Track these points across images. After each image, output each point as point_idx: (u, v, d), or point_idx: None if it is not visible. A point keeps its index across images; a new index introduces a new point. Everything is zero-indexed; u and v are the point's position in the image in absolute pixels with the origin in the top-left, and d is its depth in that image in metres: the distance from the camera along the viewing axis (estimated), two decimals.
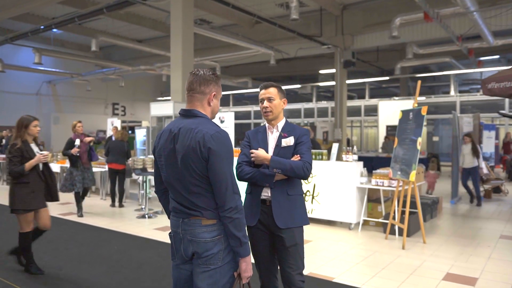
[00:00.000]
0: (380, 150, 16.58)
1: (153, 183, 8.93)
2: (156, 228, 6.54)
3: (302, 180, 2.82)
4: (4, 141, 13.84)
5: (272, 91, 2.74)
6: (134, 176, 8.07)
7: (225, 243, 2.01)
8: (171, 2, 9.16)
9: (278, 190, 2.65)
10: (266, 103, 2.73)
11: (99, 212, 7.84)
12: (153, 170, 8.33)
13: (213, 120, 2.17)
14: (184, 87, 8.80)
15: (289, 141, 2.72)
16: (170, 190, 2.13)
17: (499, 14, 10.91)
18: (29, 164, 4.09)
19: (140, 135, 10.16)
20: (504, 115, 15.24)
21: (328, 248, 5.31)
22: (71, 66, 18.11)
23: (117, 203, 8.37)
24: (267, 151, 2.73)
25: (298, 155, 2.66)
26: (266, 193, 2.66)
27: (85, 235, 6.07)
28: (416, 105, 5.70)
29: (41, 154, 4.20)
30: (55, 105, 19.32)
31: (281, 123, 2.78)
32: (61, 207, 8.27)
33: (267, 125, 2.82)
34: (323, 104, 22.49)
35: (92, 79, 19.33)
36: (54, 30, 13.81)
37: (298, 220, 2.66)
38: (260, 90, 2.79)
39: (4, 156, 12.12)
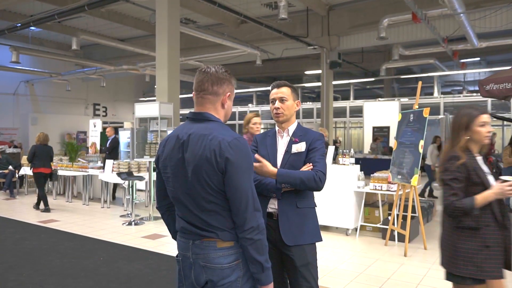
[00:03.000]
0: (367, 152, 16.51)
1: (139, 186, 8.64)
2: (144, 236, 6.20)
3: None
4: None
5: (285, 91, 2.47)
6: (120, 181, 7.70)
7: (244, 269, 1.72)
8: None
9: (286, 202, 2.37)
10: (278, 104, 2.45)
11: (80, 217, 7.45)
12: (139, 174, 8.03)
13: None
14: (170, 87, 8.35)
15: (300, 147, 2.44)
16: (178, 207, 1.83)
17: (484, 16, 10.94)
18: (483, 198, 2.28)
19: (124, 137, 9.75)
20: (494, 117, 15.36)
21: (327, 257, 5.07)
22: (50, 65, 17.47)
23: (42, 207, 8.18)
24: (275, 158, 2.45)
25: (310, 164, 2.37)
26: (273, 205, 2.38)
27: (67, 245, 5.69)
28: (417, 106, 5.52)
29: (507, 181, 2.28)
30: (33, 105, 18.59)
31: (292, 127, 2.51)
32: (40, 214, 7.83)
33: (277, 128, 2.54)
34: (309, 105, 22.38)
35: (72, 79, 18.72)
36: (32, 28, 13.26)
37: (308, 236, 2.37)
38: (272, 89, 2.52)
39: None
